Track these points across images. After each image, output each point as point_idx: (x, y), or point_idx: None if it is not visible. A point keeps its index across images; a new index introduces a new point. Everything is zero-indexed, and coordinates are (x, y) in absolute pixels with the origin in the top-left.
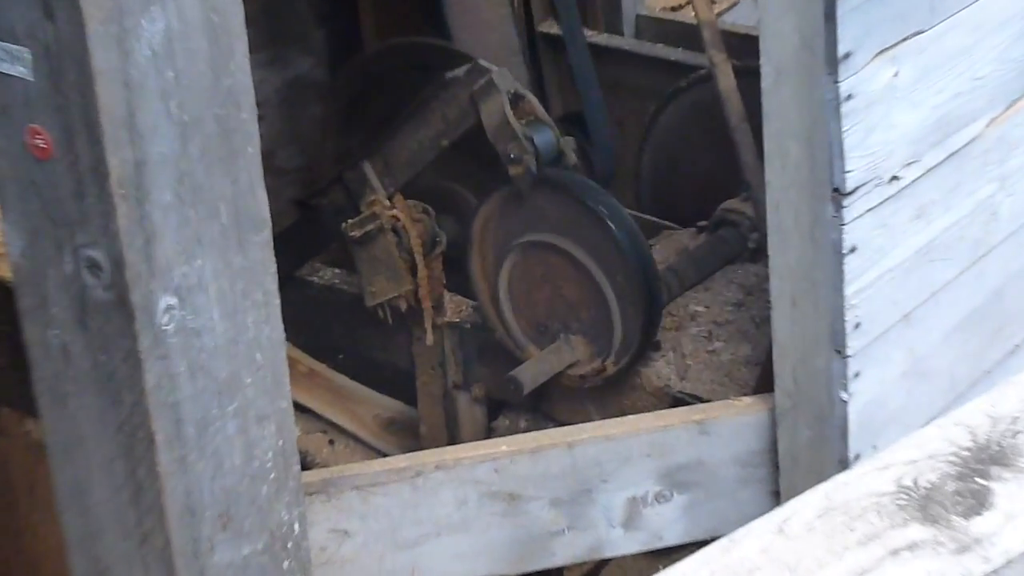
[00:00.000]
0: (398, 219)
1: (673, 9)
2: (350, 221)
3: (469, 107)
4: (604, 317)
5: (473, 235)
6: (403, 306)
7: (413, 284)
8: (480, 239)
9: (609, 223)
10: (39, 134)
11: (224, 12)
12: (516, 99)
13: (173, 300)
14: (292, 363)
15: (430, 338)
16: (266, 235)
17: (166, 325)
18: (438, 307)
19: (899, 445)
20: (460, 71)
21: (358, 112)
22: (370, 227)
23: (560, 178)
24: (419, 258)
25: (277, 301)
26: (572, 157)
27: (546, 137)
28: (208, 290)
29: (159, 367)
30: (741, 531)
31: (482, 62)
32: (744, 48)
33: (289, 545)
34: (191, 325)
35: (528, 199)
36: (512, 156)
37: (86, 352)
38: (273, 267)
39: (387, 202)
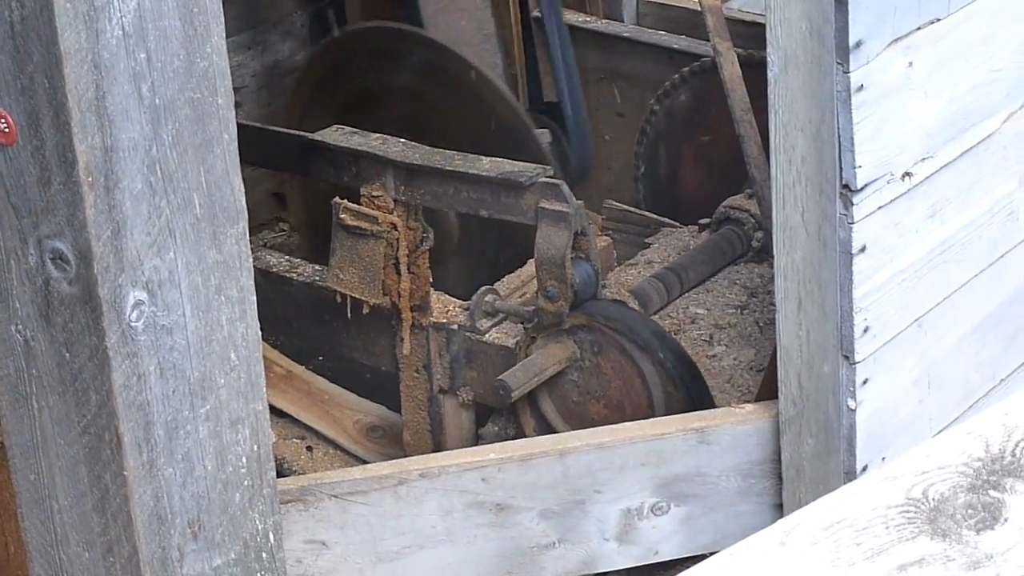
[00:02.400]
0: (395, 227)
1: None
2: (347, 204)
3: (530, 212)
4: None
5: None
6: (365, 308)
7: (394, 290)
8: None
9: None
10: (2, 118)
11: None
12: (578, 236)
13: (143, 295)
14: (269, 365)
15: (407, 348)
16: (242, 227)
17: (135, 321)
18: (424, 307)
19: (908, 455)
20: (538, 178)
21: (325, 95)
22: (365, 225)
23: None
24: (404, 265)
25: (253, 298)
26: (605, 292)
27: (586, 276)
28: (180, 285)
29: (127, 366)
30: (741, 544)
31: (564, 188)
32: (750, 36)
33: (263, 556)
34: (162, 322)
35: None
36: (549, 293)
37: (50, 349)
38: (249, 262)
39: (391, 204)
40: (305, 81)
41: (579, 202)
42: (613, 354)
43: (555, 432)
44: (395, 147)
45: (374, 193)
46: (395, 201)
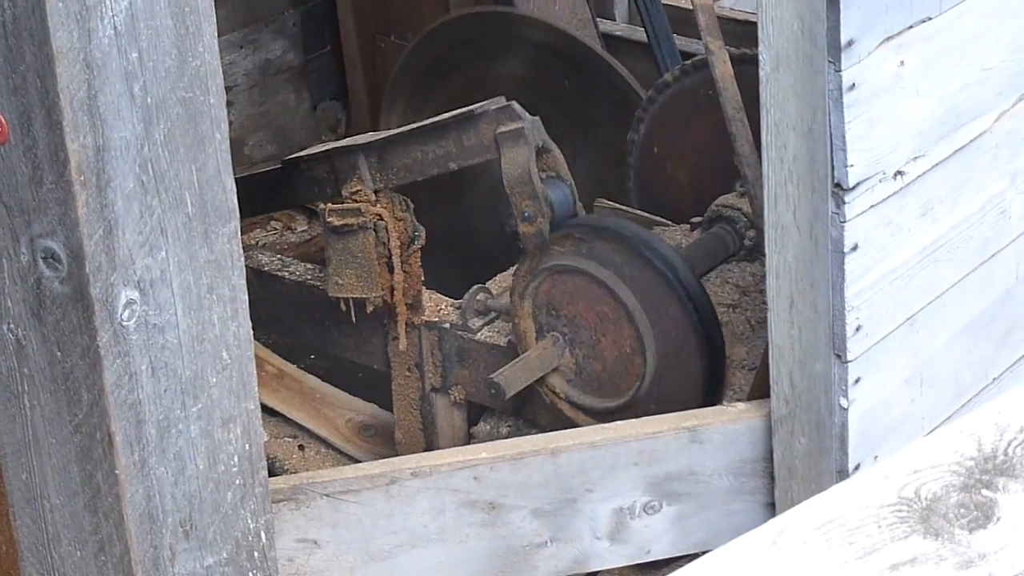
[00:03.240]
0: (381, 217)
1: None
2: (331, 206)
3: (491, 144)
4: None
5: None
6: (369, 308)
7: (387, 287)
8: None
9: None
10: None
11: None
12: (541, 152)
13: (134, 294)
14: (261, 363)
15: (403, 343)
16: (234, 226)
17: (127, 320)
18: (416, 305)
19: (901, 454)
20: (491, 106)
21: (432, 83)
22: (351, 220)
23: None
24: (396, 260)
25: (245, 296)
26: (583, 211)
27: (562, 195)
28: (172, 284)
29: (119, 365)
30: (733, 544)
31: (515, 106)
32: (742, 35)
33: (255, 555)
34: (153, 321)
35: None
36: (526, 215)
37: (42, 348)
38: (241, 261)
39: (373, 196)
40: (405, 75)
41: (534, 117)
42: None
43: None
44: (363, 138)
45: (354, 189)
46: (376, 192)
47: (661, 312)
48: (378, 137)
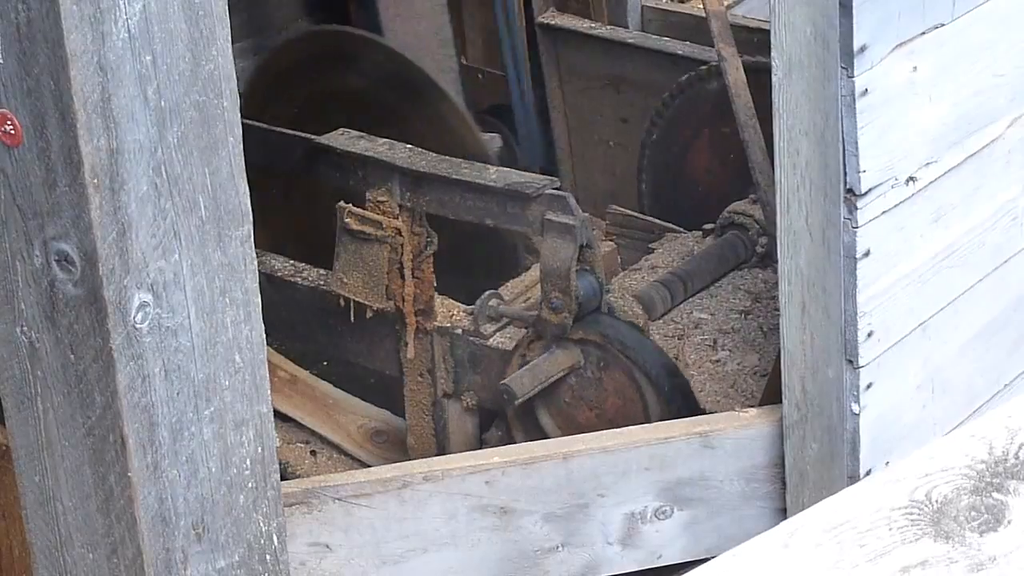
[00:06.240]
0: (399, 232)
1: (681, 1)
2: (352, 208)
3: (535, 223)
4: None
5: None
6: (368, 313)
7: (399, 293)
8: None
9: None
10: (8, 119)
11: None
12: (583, 248)
13: (148, 297)
14: (273, 369)
15: (412, 351)
16: (247, 230)
17: (140, 323)
18: (427, 311)
19: (911, 457)
20: (544, 189)
21: (280, 93)
22: (369, 229)
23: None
24: (408, 270)
25: (258, 300)
26: (608, 303)
27: (591, 290)
28: (185, 287)
29: (132, 367)
30: (744, 546)
31: (571, 200)
32: (755, 43)
33: (267, 558)
34: (166, 324)
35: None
36: (554, 304)
37: (55, 351)
38: (254, 264)
39: (396, 210)
40: (264, 75)
41: (585, 215)
42: (618, 375)
43: (542, 426)
44: (401, 153)
45: (379, 198)
46: (400, 207)
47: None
48: (419, 161)
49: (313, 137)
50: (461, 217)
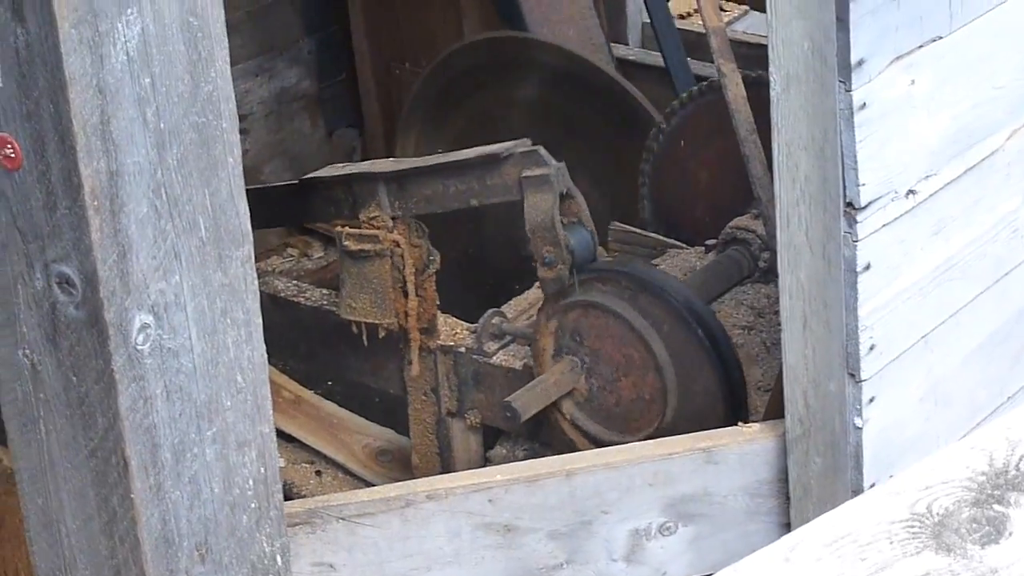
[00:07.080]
0: (398, 244)
1: (681, 17)
2: (348, 230)
3: (514, 186)
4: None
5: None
6: (381, 332)
7: (402, 312)
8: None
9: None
10: (8, 143)
11: (203, 15)
12: (564, 198)
13: (149, 318)
14: (277, 389)
15: (416, 369)
16: (247, 250)
17: (141, 345)
18: (431, 330)
19: (912, 470)
20: (516, 148)
21: (448, 108)
22: (368, 247)
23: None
24: (411, 286)
25: (259, 320)
26: (603, 254)
27: (583, 241)
28: (186, 308)
29: (134, 389)
30: (745, 561)
31: (542, 151)
32: (755, 58)
33: None
34: (168, 345)
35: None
36: (547, 260)
37: (57, 373)
38: (255, 284)
39: (390, 223)
40: (420, 102)
41: (559, 163)
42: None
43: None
44: (383, 164)
45: (371, 214)
46: (393, 219)
47: (692, 376)
48: (400, 166)
49: (295, 181)
50: (449, 207)
